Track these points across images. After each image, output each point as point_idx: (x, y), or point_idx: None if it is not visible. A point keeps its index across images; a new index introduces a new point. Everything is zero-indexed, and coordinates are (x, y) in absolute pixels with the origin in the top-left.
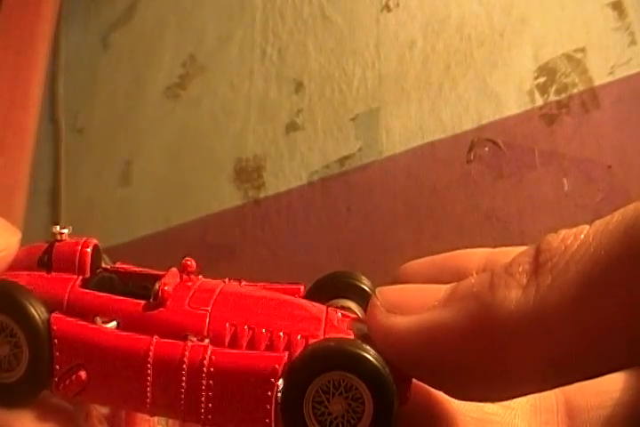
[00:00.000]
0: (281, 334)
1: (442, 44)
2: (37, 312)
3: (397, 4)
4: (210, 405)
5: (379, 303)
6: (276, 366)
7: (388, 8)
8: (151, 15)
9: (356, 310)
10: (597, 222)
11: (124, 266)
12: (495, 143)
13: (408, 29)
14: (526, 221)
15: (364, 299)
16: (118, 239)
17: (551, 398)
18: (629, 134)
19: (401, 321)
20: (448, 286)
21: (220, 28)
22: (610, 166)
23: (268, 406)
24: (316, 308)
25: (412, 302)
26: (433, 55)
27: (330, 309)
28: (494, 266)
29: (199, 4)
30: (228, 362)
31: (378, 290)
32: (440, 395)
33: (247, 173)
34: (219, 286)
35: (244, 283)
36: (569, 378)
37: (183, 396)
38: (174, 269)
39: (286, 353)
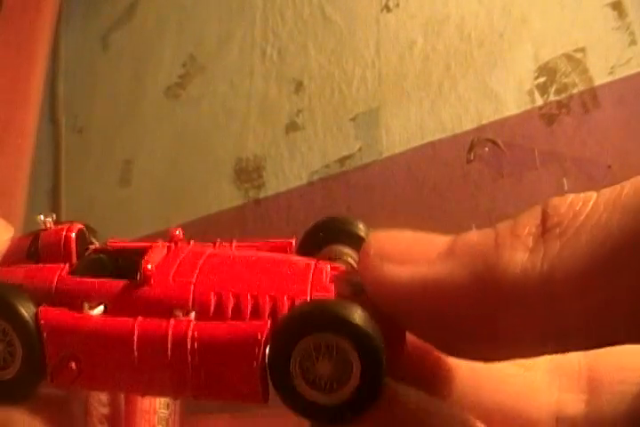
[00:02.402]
0: (267, 297)
1: (442, 44)
2: (25, 309)
3: (397, 4)
4: (197, 379)
5: (372, 251)
6: (259, 335)
7: (387, 8)
8: (151, 15)
9: (353, 256)
10: (606, 192)
11: (115, 243)
12: (495, 143)
13: (408, 29)
14: None
15: (360, 244)
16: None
17: (574, 364)
18: (629, 134)
19: (397, 272)
20: (447, 238)
21: (220, 28)
22: (610, 166)
23: (255, 375)
24: (304, 263)
25: (409, 251)
26: (433, 55)
27: (318, 263)
28: (496, 225)
29: (199, 4)
30: (210, 336)
31: (371, 236)
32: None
33: (247, 173)
34: (206, 251)
35: (235, 243)
36: (569, 347)
37: (170, 373)
38: (160, 242)
39: (269, 321)
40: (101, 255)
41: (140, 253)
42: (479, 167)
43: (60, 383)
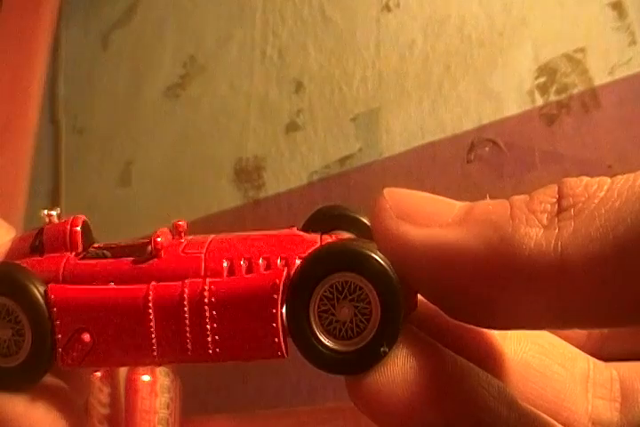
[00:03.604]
0: (279, 259)
1: (442, 45)
2: (33, 285)
3: (397, 4)
4: (216, 337)
5: (388, 206)
6: (277, 280)
7: (388, 8)
8: (151, 15)
9: None
10: (620, 179)
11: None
12: (495, 143)
13: (408, 29)
14: None
15: (360, 230)
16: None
17: (607, 374)
18: (629, 134)
19: (412, 232)
20: (462, 203)
21: (220, 28)
22: (610, 166)
23: (275, 324)
24: (310, 235)
25: (424, 213)
26: (433, 55)
27: (324, 235)
28: (511, 198)
29: (199, 4)
30: (228, 288)
31: (386, 191)
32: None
33: (247, 174)
34: (210, 236)
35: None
36: (573, 325)
37: (189, 334)
38: (165, 229)
39: (285, 269)
40: (104, 251)
41: (144, 245)
42: (479, 167)
43: (70, 362)
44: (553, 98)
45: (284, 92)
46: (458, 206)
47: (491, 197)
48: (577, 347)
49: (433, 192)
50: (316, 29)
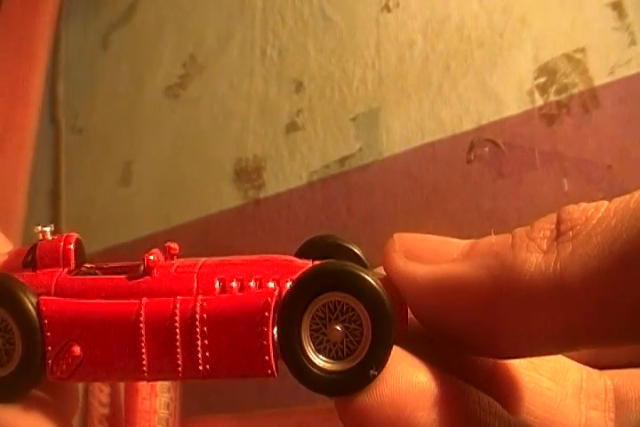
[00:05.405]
0: (271, 279)
1: (442, 45)
2: (26, 296)
3: (397, 5)
4: (207, 354)
5: (397, 248)
6: (269, 299)
7: (387, 8)
8: (151, 15)
9: None
10: (617, 200)
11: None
12: (495, 143)
13: (408, 30)
14: (526, 221)
15: (352, 259)
16: (118, 239)
17: (600, 384)
18: (629, 134)
19: (419, 269)
20: (467, 241)
21: (220, 28)
22: (610, 166)
23: (266, 342)
24: (303, 261)
25: (431, 251)
26: (433, 55)
27: (316, 262)
28: (514, 230)
29: (199, 4)
30: (220, 305)
31: (396, 235)
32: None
33: (247, 174)
34: (202, 259)
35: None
36: (579, 345)
37: (179, 350)
38: (157, 250)
39: (277, 288)
40: (96, 271)
41: (137, 264)
42: (479, 167)
43: (60, 374)
44: (553, 98)
45: (283, 92)
46: (463, 244)
47: (490, 198)
48: (572, 356)
49: (433, 192)
50: (317, 29)
